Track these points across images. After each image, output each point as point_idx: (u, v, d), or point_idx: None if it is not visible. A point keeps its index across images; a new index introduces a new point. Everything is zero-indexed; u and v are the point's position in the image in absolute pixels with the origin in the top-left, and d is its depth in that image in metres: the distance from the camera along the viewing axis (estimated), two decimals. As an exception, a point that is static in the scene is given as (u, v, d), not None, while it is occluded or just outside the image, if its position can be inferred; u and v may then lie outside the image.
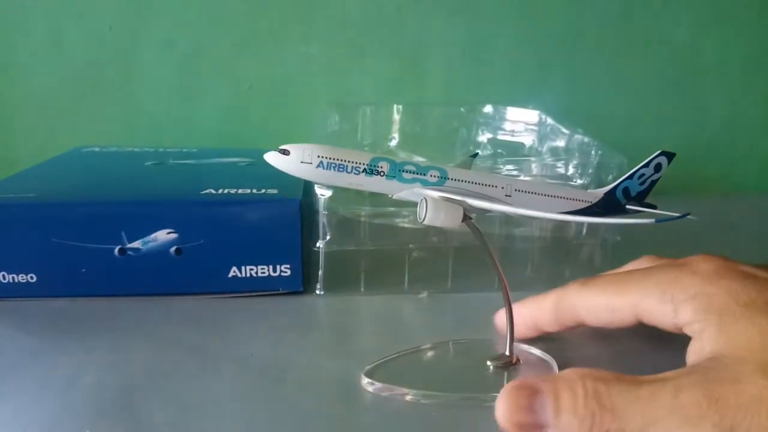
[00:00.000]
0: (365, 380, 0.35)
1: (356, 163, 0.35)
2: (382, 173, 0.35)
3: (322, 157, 0.34)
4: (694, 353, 0.30)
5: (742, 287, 0.30)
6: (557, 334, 0.39)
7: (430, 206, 0.35)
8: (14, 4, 0.66)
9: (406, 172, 0.36)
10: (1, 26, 0.67)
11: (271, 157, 0.35)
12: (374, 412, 0.33)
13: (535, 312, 0.38)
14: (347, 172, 0.35)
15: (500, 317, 0.39)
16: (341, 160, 0.34)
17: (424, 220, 0.35)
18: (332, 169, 0.34)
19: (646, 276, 0.34)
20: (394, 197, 0.37)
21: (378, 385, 0.34)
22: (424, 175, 0.36)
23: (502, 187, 0.37)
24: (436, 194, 0.36)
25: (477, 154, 0.49)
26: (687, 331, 0.31)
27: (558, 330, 0.38)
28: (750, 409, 0.25)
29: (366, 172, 0.35)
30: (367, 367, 0.35)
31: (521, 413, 0.28)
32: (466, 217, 0.36)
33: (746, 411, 0.25)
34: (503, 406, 0.28)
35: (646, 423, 0.25)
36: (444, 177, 0.36)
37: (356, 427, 0.31)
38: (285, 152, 0.34)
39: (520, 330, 0.38)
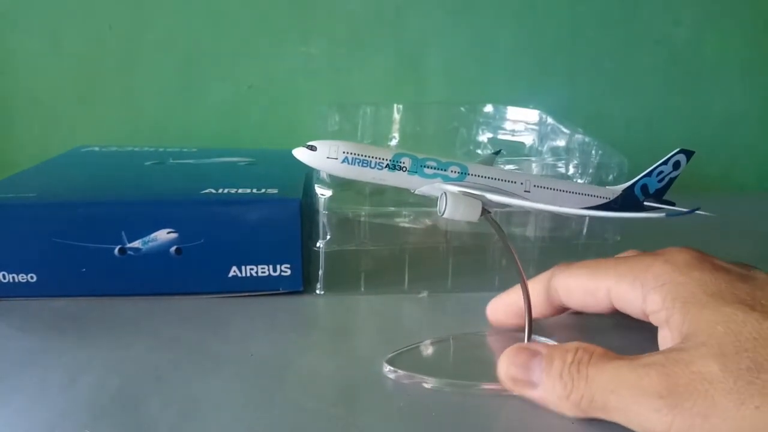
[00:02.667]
0: (387, 368, 0.36)
1: (379, 158, 0.36)
2: (404, 168, 0.36)
3: (347, 152, 0.35)
4: (662, 341, 0.31)
5: (712, 279, 0.31)
6: (578, 325, 0.39)
7: (450, 200, 0.36)
8: (14, 3, 0.66)
9: (428, 167, 0.36)
10: (0, 26, 0.67)
11: (299, 153, 0.36)
12: (374, 412, 0.33)
13: (519, 298, 0.38)
14: (371, 168, 0.36)
15: (492, 309, 0.40)
16: (365, 156, 0.36)
17: (443, 213, 0.36)
18: (356, 164, 0.36)
19: (622, 262, 0.35)
20: (416, 192, 0.37)
21: (400, 372, 0.35)
22: (445, 170, 0.37)
23: (521, 183, 0.38)
24: (456, 189, 0.36)
25: (500, 151, 0.50)
26: (653, 319, 0.32)
27: (548, 315, 0.38)
28: (696, 388, 0.27)
29: (389, 168, 0.36)
30: (389, 355, 0.37)
31: (517, 369, 0.32)
32: (484, 212, 0.37)
33: (693, 390, 0.27)
34: (504, 361, 0.33)
35: (607, 391, 0.29)
36: (464, 173, 0.37)
37: (357, 426, 0.31)
38: (312, 148, 0.36)
39: (510, 319, 0.39)
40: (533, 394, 0.32)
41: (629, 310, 0.34)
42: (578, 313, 0.40)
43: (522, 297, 0.37)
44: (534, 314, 0.37)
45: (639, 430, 0.28)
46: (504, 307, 0.40)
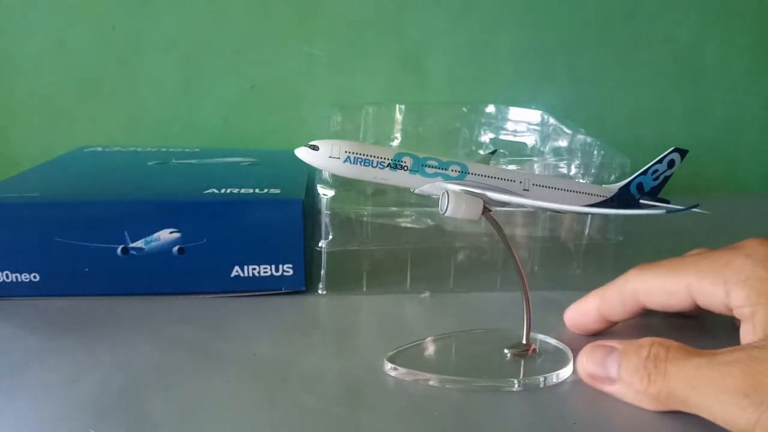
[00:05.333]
0: (388, 365, 0.36)
1: (381, 158, 0.36)
2: (405, 168, 0.36)
3: (349, 152, 0.36)
4: (745, 335, 0.32)
5: None
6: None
7: (452, 199, 0.36)
8: (17, 4, 0.66)
9: (429, 167, 0.37)
10: (4, 26, 0.67)
11: (301, 153, 0.36)
12: (376, 410, 0.33)
13: (599, 303, 0.39)
14: (372, 167, 0.36)
15: (570, 315, 0.41)
16: (367, 155, 0.36)
17: (445, 212, 0.36)
18: (358, 163, 0.36)
19: (702, 259, 0.35)
20: (416, 191, 0.38)
21: (401, 370, 0.35)
22: (446, 169, 0.37)
23: (521, 182, 0.38)
24: (457, 188, 0.36)
25: (496, 151, 0.50)
26: (737, 314, 0.32)
27: (625, 318, 0.39)
28: None
29: (390, 167, 0.36)
30: (390, 353, 0.37)
31: (594, 366, 0.34)
32: (485, 210, 0.37)
33: None
34: (583, 359, 0.34)
35: (689, 388, 0.29)
36: (465, 171, 0.37)
37: (359, 425, 0.31)
38: (314, 148, 0.36)
39: (589, 324, 0.40)
40: (612, 389, 0.33)
41: (712, 306, 0.34)
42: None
43: (597, 303, 0.38)
44: (614, 319, 0.39)
45: (723, 425, 0.29)
46: (582, 313, 0.40)
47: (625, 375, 0.32)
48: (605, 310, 0.39)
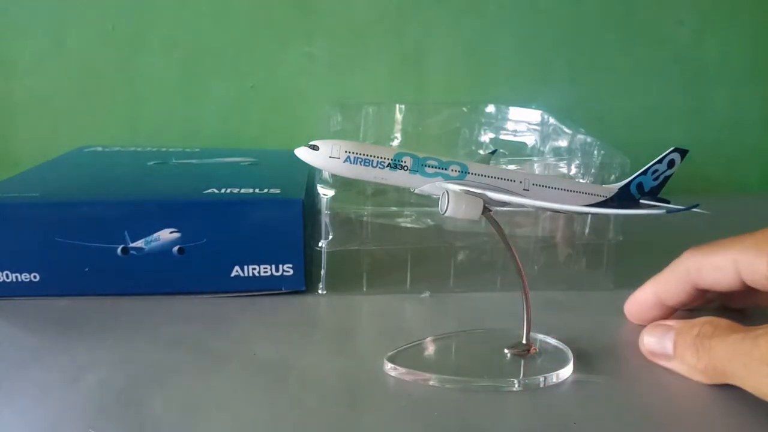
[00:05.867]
0: (388, 365, 0.36)
1: (381, 157, 0.36)
2: (405, 168, 0.36)
3: (349, 152, 0.36)
4: None
5: None
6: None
7: (452, 198, 0.36)
8: (17, 3, 0.66)
9: (429, 166, 0.37)
10: (3, 26, 0.67)
11: (301, 153, 0.36)
12: (376, 410, 0.33)
13: (656, 288, 0.40)
14: (372, 167, 0.36)
15: (628, 304, 0.42)
16: (367, 155, 0.36)
17: (445, 212, 0.36)
18: (358, 163, 0.36)
19: (749, 236, 0.36)
20: (416, 191, 0.38)
21: (401, 370, 0.35)
22: (446, 169, 0.37)
23: (521, 182, 0.38)
24: (457, 188, 0.36)
25: (496, 151, 0.50)
26: None
27: (682, 302, 0.39)
28: None
29: (390, 167, 0.36)
30: (390, 353, 0.37)
31: (655, 344, 0.36)
32: (485, 210, 0.37)
33: None
34: (644, 337, 0.37)
35: (726, 360, 0.32)
36: (465, 171, 0.37)
37: (359, 425, 0.31)
38: (314, 148, 0.36)
39: (647, 311, 0.41)
40: (669, 364, 0.36)
41: (755, 280, 0.35)
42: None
43: (655, 290, 0.40)
44: (671, 303, 0.39)
45: (753, 392, 0.31)
46: (639, 301, 0.41)
47: (679, 352, 0.35)
48: (662, 293, 0.40)
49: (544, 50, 0.74)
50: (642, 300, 0.41)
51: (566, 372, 0.36)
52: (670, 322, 0.37)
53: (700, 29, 0.75)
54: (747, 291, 0.37)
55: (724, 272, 0.36)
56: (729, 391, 0.33)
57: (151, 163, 0.55)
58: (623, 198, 0.41)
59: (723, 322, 0.34)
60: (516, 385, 0.35)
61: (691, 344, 0.34)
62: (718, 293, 0.40)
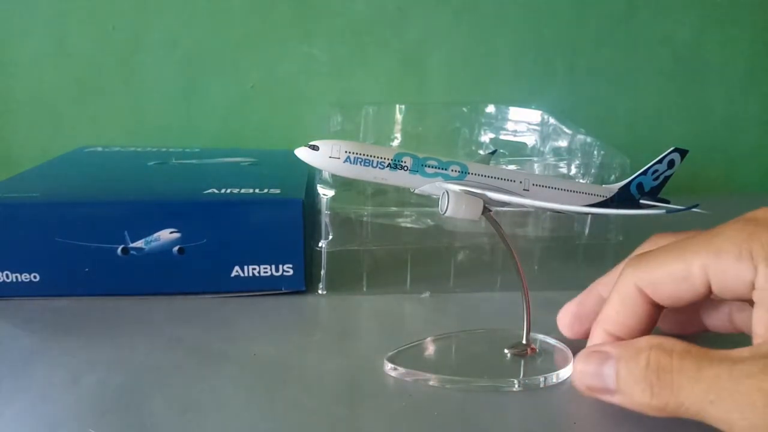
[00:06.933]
0: (388, 365, 0.36)
1: (381, 158, 0.36)
2: (405, 168, 0.36)
3: (349, 152, 0.36)
4: (762, 324, 0.27)
5: None
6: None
7: (452, 198, 0.36)
8: (17, 3, 0.66)
9: (429, 167, 0.37)
10: (3, 26, 0.67)
11: (301, 153, 0.36)
12: (376, 410, 0.33)
13: (605, 325, 0.33)
14: (372, 167, 0.36)
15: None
16: (367, 155, 0.36)
17: (445, 212, 0.36)
18: (358, 163, 0.36)
19: (714, 236, 0.29)
20: (416, 191, 0.38)
21: (401, 370, 0.35)
22: (446, 169, 0.37)
23: (521, 182, 0.38)
24: (457, 188, 0.36)
25: (496, 151, 0.50)
26: (758, 296, 0.28)
27: (639, 330, 0.32)
28: None
29: (390, 167, 0.36)
30: (390, 353, 0.37)
31: (591, 378, 0.30)
32: (485, 210, 0.37)
33: None
34: (577, 371, 0.31)
35: (705, 401, 0.26)
36: (464, 171, 0.37)
37: (359, 425, 0.31)
38: (314, 148, 0.36)
39: (584, 325, 0.36)
40: (613, 399, 0.29)
41: (733, 289, 0.28)
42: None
43: (606, 326, 0.33)
44: (620, 334, 0.32)
45: None
46: (573, 313, 0.37)
47: (624, 387, 0.28)
48: (616, 329, 0.32)
49: (544, 50, 0.74)
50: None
51: (566, 372, 0.36)
52: (605, 348, 0.30)
53: (701, 30, 0.75)
54: (704, 309, 0.33)
55: (690, 282, 0.29)
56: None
57: (151, 163, 0.55)
58: (623, 198, 0.41)
59: (676, 345, 0.27)
60: (516, 385, 0.35)
61: (642, 378, 0.27)
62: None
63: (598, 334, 0.33)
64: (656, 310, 0.32)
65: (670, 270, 0.30)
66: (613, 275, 0.35)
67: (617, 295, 0.32)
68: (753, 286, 0.28)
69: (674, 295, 0.30)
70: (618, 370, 0.29)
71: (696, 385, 0.26)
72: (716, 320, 0.35)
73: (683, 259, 0.30)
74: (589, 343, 0.33)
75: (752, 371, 0.25)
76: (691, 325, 0.35)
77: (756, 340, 0.27)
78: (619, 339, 0.32)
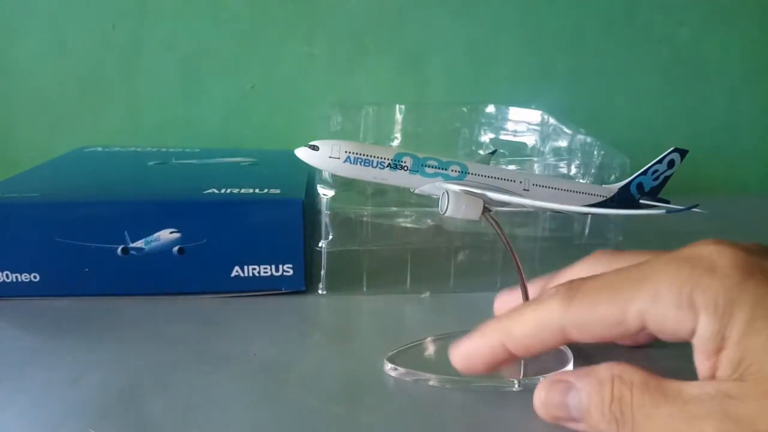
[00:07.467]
0: (388, 365, 0.36)
1: (381, 158, 0.36)
2: (405, 168, 0.36)
3: (349, 152, 0.36)
4: (704, 368, 0.27)
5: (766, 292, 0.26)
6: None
7: (452, 198, 0.36)
8: (17, 3, 0.66)
9: (429, 167, 0.37)
10: (3, 26, 0.67)
11: (301, 153, 0.36)
12: (376, 410, 0.33)
13: (512, 345, 0.31)
14: (372, 167, 0.36)
15: (459, 356, 0.34)
16: (367, 155, 0.36)
17: (445, 212, 0.36)
18: (358, 163, 0.36)
19: (649, 275, 0.28)
20: (416, 191, 0.38)
21: (401, 370, 0.35)
22: (446, 169, 0.37)
23: (521, 182, 0.38)
24: (457, 188, 0.37)
25: (496, 151, 0.50)
26: (700, 347, 0.27)
27: (528, 353, 0.32)
28: None
29: (390, 167, 0.36)
30: (390, 353, 0.37)
31: (555, 408, 0.29)
32: (485, 210, 0.37)
33: None
34: (540, 399, 0.30)
35: None
36: (464, 171, 0.37)
37: (359, 425, 0.31)
38: (314, 148, 0.36)
39: (488, 365, 0.33)
40: (579, 428, 0.29)
41: (673, 334, 0.28)
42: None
43: (514, 346, 0.32)
44: (515, 351, 0.32)
45: None
46: (481, 353, 0.33)
47: (590, 418, 0.28)
48: (516, 348, 0.31)
49: (544, 50, 0.74)
50: (483, 354, 0.32)
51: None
52: (569, 377, 0.29)
53: (700, 29, 0.75)
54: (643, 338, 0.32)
55: (624, 327, 0.28)
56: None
57: (151, 163, 0.55)
58: (623, 198, 0.41)
59: (636, 376, 0.27)
60: (516, 385, 0.35)
61: (607, 413, 0.27)
62: None
63: (490, 340, 0.32)
64: (564, 344, 0.32)
65: (603, 314, 0.29)
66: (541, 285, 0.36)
67: (536, 324, 0.31)
68: (693, 333, 0.27)
69: (604, 336, 0.30)
70: (581, 401, 0.28)
71: (652, 421, 0.26)
72: (648, 338, 0.35)
73: (616, 305, 0.28)
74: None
75: (700, 413, 0.25)
76: (641, 337, 0.34)
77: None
78: (511, 355, 0.32)
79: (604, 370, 0.28)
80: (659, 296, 0.27)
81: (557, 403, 0.29)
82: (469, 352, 0.33)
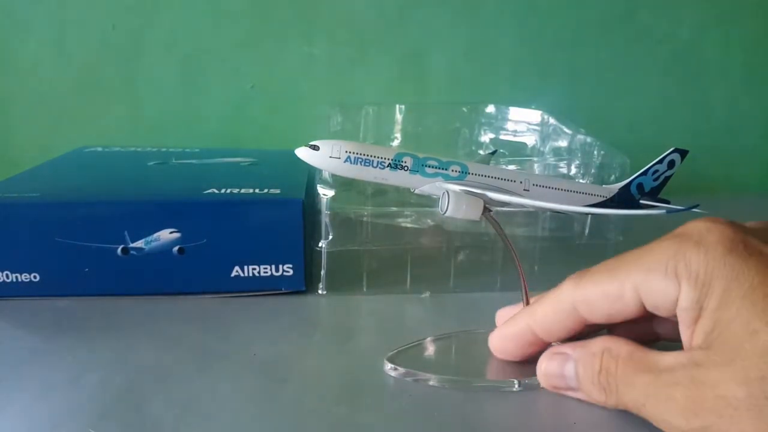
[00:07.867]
0: (388, 365, 0.36)
1: (381, 158, 0.36)
2: (405, 168, 0.36)
3: (350, 152, 0.36)
4: (687, 341, 0.29)
5: (746, 269, 0.27)
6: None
7: (452, 199, 0.36)
8: (17, 3, 0.66)
9: (429, 167, 0.37)
10: (4, 26, 0.67)
11: (302, 152, 0.36)
12: (376, 410, 0.33)
13: (534, 326, 0.34)
14: (373, 167, 0.36)
15: (496, 341, 0.37)
16: (367, 155, 0.36)
17: (446, 212, 0.36)
18: (359, 163, 0.36)
19: (645, 253, 0.30)
20: (416, 191, 0.38)
21: (401, 370, 0.35)
22: (446, 169, 0.37)
23: (521, 182, 0.38)
24: (458, 188, 0.37)
25: (496, 151, 0.50)
26: (681, 316, 0.29)
27: (568, 336, 0.34)
28: (722, 413, 0.26)
29: (390, 167, 0.36)
30: (390, 353, 0.37)
31: (555, 379, 0.33)
32: (486, 210, 0.37)
33: (718, 415, 0.26)
34: (541, 370, 0.33)
35: (639, 404, 0.29)
36: (465, 172, 0.37)
37: (359, 425, 0.31)
38: (315, 148, 0.36)
39: (522, 351, 0.35)
40: (576, 395, 0.33)
41: (663, 308, 0.29)
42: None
43: (530, 323, 0.34)
44: (549, 339, 0.34)
45: None
46: (511, 337, 0.36)
47: (583, 387, 0.32)
48: (541, 331, 0.34)
49: (544, 50, 0.74)
50: (515, 336, 0.35)
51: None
52: (567, 349, 0.32)
53: (700, 29, 0.75)
54: (646, 321, 0.33)
55: (623, 301, 0.30)
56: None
57: (151, 163, 0.55)
58: (623, 198, 0.41)
59: (623, 349, 0.30)
60: (516, 385, 0.35)
61: (597, 383, 0.31)
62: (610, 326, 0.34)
63: (520, 324, 0.35)
64: (584, 327, 0.33)
65: (604, 289, 0.31)
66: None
67: (553, 305, 0.33)
68: (676, 304, 0.29)
69: (609, 313, 0.31)
70: (577, 371, 0.32)
71: (632, 390, 0.29)
72: (667, 330, 0.35)
73: (616, 278, 0.31)
74: (507, 331, 0.36)
75: (672, 381, 0.28)
76: (645, 335, 0.35)
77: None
78: (539, 339, 0.34)
79: (597, 343, 0.31)
80: (650, 269, 0.29)
81: (557, 373, 0.33)
82: (504, 334, 0.36)
